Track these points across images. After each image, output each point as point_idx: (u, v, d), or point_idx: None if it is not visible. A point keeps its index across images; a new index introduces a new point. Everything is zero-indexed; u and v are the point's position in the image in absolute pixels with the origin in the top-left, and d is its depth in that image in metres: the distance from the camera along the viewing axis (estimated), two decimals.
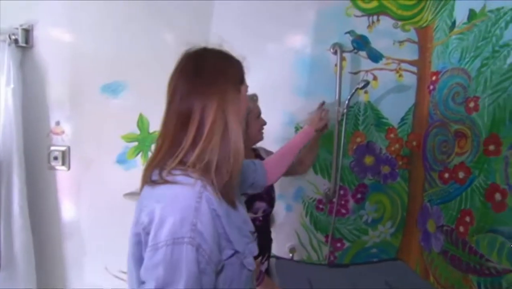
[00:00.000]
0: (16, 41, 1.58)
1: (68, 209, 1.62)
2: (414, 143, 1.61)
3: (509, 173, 1.04)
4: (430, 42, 1.53)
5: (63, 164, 1.61)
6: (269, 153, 1.29)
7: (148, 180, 0.60)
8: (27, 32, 1.61)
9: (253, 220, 1.04)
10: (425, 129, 1.56)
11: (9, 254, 1.50)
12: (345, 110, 1.48)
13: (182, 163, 0.58)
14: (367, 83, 1.41)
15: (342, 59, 1.52)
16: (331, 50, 1.54)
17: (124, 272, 1.65)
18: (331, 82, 1.52)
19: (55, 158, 1.60)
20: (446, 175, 1.38)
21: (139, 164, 1.61)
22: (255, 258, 0.69)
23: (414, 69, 1.57)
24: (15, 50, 1.58)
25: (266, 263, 1.21)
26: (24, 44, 1.60)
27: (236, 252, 0.57)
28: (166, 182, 0.55)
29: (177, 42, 1.62)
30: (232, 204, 0.59)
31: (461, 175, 1.28)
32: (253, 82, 1.60)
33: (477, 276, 1.16)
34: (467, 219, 1.23)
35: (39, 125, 1.63)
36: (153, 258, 0.49)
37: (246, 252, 0.60)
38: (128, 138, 1.60)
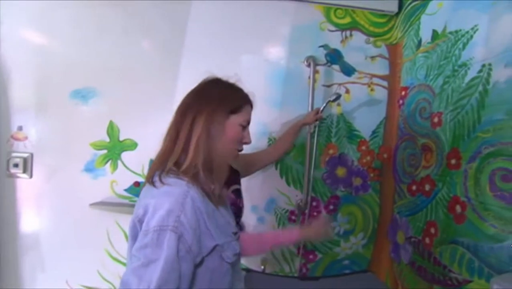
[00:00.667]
0: None
1: (27, 220, 1.53)
2: (385, 155, 1.65)
3: (468, 186, 1.08)
4: (400, 58, 1.59)
5: (24, 171, 1.52)
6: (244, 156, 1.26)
7: (150, 179, 0.71)
8: None
9: None
10: (395, 142, 1.60)
11: None
12: (317, 122, 1.50)
13: (177, 165, 0.70)
14: (338, 96, 1.44)
15: (316, 72, 1.56)
16: (305, 63, 1.57)
17: (87, 286, 1.57)
18: (304, 94, 1.54)
19: (16, 165, 1.51)
20: (414, 187, 1.41)
21: (108, 173, 1.55)
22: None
23: (385, 83, 1.62)
24: None
25: None
26: None
27: (216, 245, 0.66)
28: (162, 183, 0.67)
29: (151, 52, 1.62)
30: (215, 205, 0.70)
31: (427, 187, 1.32)
32: None
33: (441, 286, 1.18)
34: (432, 230, 1.26)
35: (2, 125, 1.54)
36: (143, 240, 0.61)
37: (225, 246, 0.69)
38: (97, 146, 1.54)
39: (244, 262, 1.56)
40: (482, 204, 1.01)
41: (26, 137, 1.53)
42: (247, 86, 1.53)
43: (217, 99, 0.75)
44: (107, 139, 1.54)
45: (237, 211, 1.16)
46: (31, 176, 1.53)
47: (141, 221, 0.64)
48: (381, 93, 1.63)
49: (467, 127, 1.10)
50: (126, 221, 1.56)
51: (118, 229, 1.57)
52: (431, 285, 1.24)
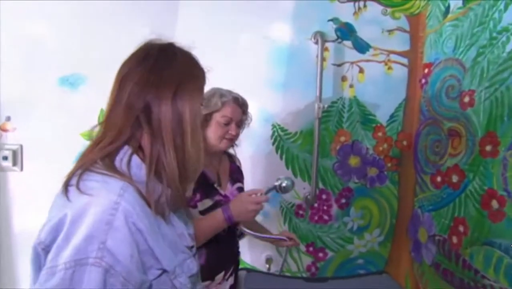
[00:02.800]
0: None
1: (21, 215, 1.47)
2: (405, 143, 1.46)
3: (508, 178, 0.89)
4: (423, 30, 1.38)
5: (14, 164, 1.45)
6: (241, 164, 1.17)
7: (66, 183, 0.50)
8: None
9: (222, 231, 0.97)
10: (416, 128, 1.42)
11: None
12: (326, 106, 1.34)
13: (112, 157, 0.51)
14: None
15: (324, 49, 1.38)
16: (312, 39, 1.40)
17: None
18: (311, 75, 1.38)
19: (5, 158, 1.44)
20: (439, 179, 1.23)
21: None
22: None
23: (405, 60, 1.43)
24: None
25: (231, 278, 1.07)
26: None
27: (164, 271, 0.50)
28: (79, 191, 0.47)
29: (142, 34, 1.49)
30: (163, 216, 0.53)
31: (454, 178, 1.14)
32: (224, 76, 1.47)
33: None
34: (461, 228, 1.09)
35: None
36: (46, 284, 0.42)
37: (177, 271, 0.53)
38: (88, 136, 1.45)
39: (248, 260, 1.45)
40: None
41: (15, 128, 1.46)
42: (246, 67, 1.43)
43: (189, 75, 0.60)
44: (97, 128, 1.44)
45: None
46: (21, 169, 1.46)
47: (46, 250, 0.45)
48: (400, 72, 1.44)
49: (507, 107, 0.91)
50: None
51: None
52: None
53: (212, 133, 0.99)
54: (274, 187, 0.96)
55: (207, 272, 0.93)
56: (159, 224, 0.52)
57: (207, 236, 0.92)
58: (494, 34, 0.96)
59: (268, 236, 1.15)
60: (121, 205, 0.46)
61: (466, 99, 1.08)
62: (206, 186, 1.00)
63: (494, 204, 0.95)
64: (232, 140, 1.03)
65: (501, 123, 0.93)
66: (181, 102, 0.54)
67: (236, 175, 1.12)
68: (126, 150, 0.51)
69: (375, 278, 1.26)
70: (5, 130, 1.45)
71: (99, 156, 0.50)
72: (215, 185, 1.02)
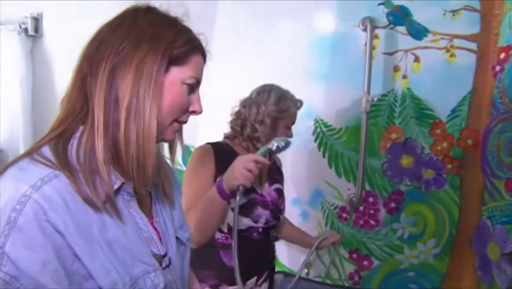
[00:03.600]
0: (26, 30, 1.57)
1: None
2: (470, 141, 1.27)
3: None
4: (499, 7, 1.17)
5: None
6: (281, 165, 1.13)
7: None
8: (37, 21, 1.60)
9: (251, 231, 0.95)
10: (485, 124, 1.22)
11: None
12: (375, 99, 1.21)
13: (64, 142, 0.42)
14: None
15: (374, 37, 1.25)
16: (360, 26, 1.27)
17: None
18: (359, 65, 1.26)
19: None
20: None
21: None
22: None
23: (473, 46, 1.23)
24: (25, 40, 1.58)
25: (265, 285, 1.02)
26: (33, 33, 1.60)
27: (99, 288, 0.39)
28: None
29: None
30: (109, 214, 0.42)
31: None
32: (264, 67, 1.41)
33: None
34: None
35: (49, 116, 1.60)
36: None
37: (119, 285, 0.41)
38: None
39: (286, 262, 1.38)
40: None
41: None
42: (287, 57, 1.36)
43: (147, 40, 0.45)
44: None
45: (277, 213, 1.01)
46: None
47: None
48: (465, 59, 1.24)
49: None
50: None
51: None
52: None
53: (272, 135, 0.97)
54: (269, 149, 0.83)
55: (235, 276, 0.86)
56: (104, 226, 0.41)
57: (208, 213, 0.83)
58: None
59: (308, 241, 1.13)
60: (32, 199, 0.36)
61: None
62: None
63: None
64: None
65: None
66: (123, 71, 0.43)
67: (276, 175, 1.08)
68: (82, 130, 0.43)
69: None
70: None
71: (47, 139, 0.42)
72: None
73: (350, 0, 1.27)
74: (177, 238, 0.55)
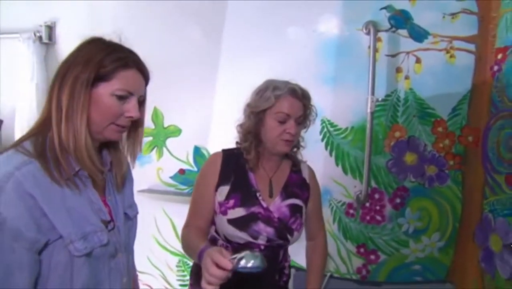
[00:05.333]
0: (40, 38, 1.62)
1: None
2: (470, 138, 1.32)
3: None
4: (496, 10, 1.23)
5: None
6: (313, 179, 0.98)
7: None
8: (50, 29, 1.65)
9: (251, 246, 0.85)
10: (485, 122, 1.27)
11: None
12: (380, 100, 1.26)
13: (36, 138, 0.61)
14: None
15: (377, 40, 1.31)
16: (364, 30, 1.33)
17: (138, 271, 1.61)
18: (363, 68, 1.31)
19: None
20: None
21: (153, 159, 1.55)
22: None
23: (471, 47, 1.29)
24: (39, 47, 1.63)
25: None
26: (47, 41, 1.64)
27: (60, 236, 0.58)
28: None
29: (192, 36, 1.56)
30: (70, 188, 0.60)
31: None
32: (272, 71, 1.45)
33: None
34: None
35: None
36: None
37: (73, 238, 0.59)
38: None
39: (298, 259, 1.42)
40: None
41: None
42: (294, 60, 1.40)
43: (80, 64, 0.60)
44: (152, 126, 1.53)
45: (283, 232, 0.88)
46: None
47: None
48: (465, 60, 1.30)
49: None
50: (172, 209, 1.55)
51: (165, 217, 1.57)
52: None
53: (267, 133, 0.86)
54: (236, 266, 0.66)
55: (236, 285, 0.76)
56: (65, 196, 0.59)
57: (190, 253, 0.83)
58: None
59: None
60: (14, 176, 0.55)
61: None
62: (246, 193, 0.88)
63: None
64: (291, 141, 0.87)
65: None
66: (63, 88, 0.60)
67: (294, 188, 0.93)
68: (51, 132, 0.60)
69: (437, 287, 1.16)
70: None
71: (28, 135, 0.61)
72: (258, 194, 0.88)
73: (354, 5, 1.33)
74: (125, 213, 0.72)
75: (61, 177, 0.59)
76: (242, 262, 0.66)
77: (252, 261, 0.66)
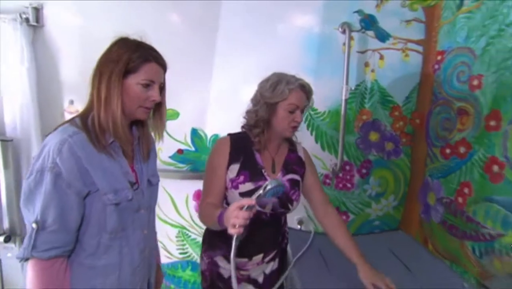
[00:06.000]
0: (27, 20, 1.58)
1: None
2: (418, 121, 1.67)
3: (508, 146, 1.11)
4: (437, 21, 1.56)
5: None
6: (308, 157, 1.12)
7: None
8: (37, 11, 1.61)
9: (259, 213, 0.98)
10: (428, 108, 1.62)
11: None
12: (352, 89, 1.53)
13: (83, 119, 0.78)
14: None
15: (350, 38, 1.55)
16: (340, 29, 1.57)
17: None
18: (339, 61, 1.56)
19: None
20: (448, 151, 1.45)
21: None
22: None
23: (420, 48, 1.61)
24: (26, 29, 1.58)
25: (273, 263, 1.09)
26: (35, 23, 1.59)
27: (97, 189, 0.76)
28: (54, 130, 0.77)
29: (188, 24, 1.66)
30: (107, 155, 0.78)
31: (462, 150, 1.36)
32: (263, 62, 1.64)
33: (472, 241, 1.26)
34: (466, 190, 1.32)
35: (53, 104, 1.66)
36: (28, 179, 0.73)
37: (107, 191, 0.77)
38: None
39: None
40: None
41: (77, 111, 1.65)
42: (282, 53, 1.61)
43: (114, 61, 0.77)
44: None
45: (285, 202, 1.03)
46: None
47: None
48: (415, 59, 1.62)
49: (510, 89, 1.11)
50: (172, 185, 1.70)
51: (165, 193, 1.71)
52: (462, 241, 1.32)
53: (279, 121, 0.98)
54: (259, 194, 0.81)
55: (245, 249, 0.96)
56: (102, 160, 0.77)
57: (210, 223, 0.95)
58: (503, 27, 1.15)
59: None
60: (68, 141, 0.73)
61: (475, 82, 1.29)
62: (253, 169, 1.00)
63: (495, 168, 1.17)
64: (297, 127, 1.01)
65: (505, 103, 1.14)
66: (101, 81, 0.77)
67: (292, 165, 1.06)
68: (93, 113, 0.79)
69: (392, 234, 1.51)
70: (70, 112, 1.66)
71: (79, 115, 0.80)
72: (263, 170, 1.01)
73: (332, 8, 1.55)
74: (148, 180, 0.89)
75: (100, 146, 0.76)
76: (267, 183, 0.79)
77: (274, 183, 0.79)
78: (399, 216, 1.74)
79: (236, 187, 0.98)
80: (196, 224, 1.75)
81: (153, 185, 0.92)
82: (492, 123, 1.19)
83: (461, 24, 1.39)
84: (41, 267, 0.73)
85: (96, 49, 1.54)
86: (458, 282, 1.04)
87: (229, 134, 1.06)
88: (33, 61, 1.59)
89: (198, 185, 1.70)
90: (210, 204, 0.97)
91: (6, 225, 1.59)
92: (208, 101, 1.65)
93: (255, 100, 1.04)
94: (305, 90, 1.00)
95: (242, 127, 1.08)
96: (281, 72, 1.03)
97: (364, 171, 1.69)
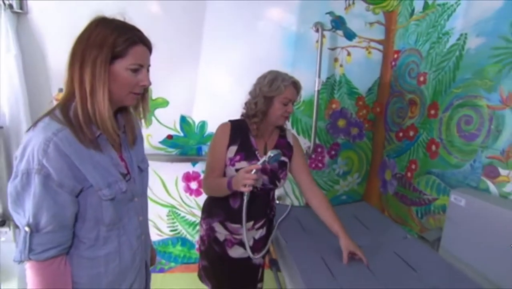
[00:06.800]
0: (10, 6, 1.58)
1: None
2: (378, 109, 1.95)
3: (442, 130, 1.41)
4: (394, 24, 1.83)
5: None
6: (296, 142, 1.27)
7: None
8: None
9: (254, 187, 1.10)
10: (387, 98, 1.90)
11: None
12: (323, 81, 1.75)
13: (63, 111, 0.71)
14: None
15: (323, 36, 1.77)
16: (313, 28, 1.77)
17: None
18: (313, 56, 1.77)
19: None
20: (401, 134, 1.75)
21: (143, 128, 1.77)
22: None
23: (381, 47, 1.87)
24: (11, 16, 1.58)
25: (262, 230, 1.25)
26: (19, 10, 1.59)
27: (91, 185, 0.72)
28: (34, 126, 0.70)
29: (175, 13, 1.76)
30: (95, 149, 0.73)
31: (411, 133, 1.66)
32: (246, 56, 1.80)
33: (416, 206, 1.58)
34: (413, 166, 1.63)
35: (41, 92, 1.69)
36: (13, 182, 0.68)
37: (101, 186, 0.73)
38: None
39: None
40: (450, 142, 1.36)
41: None
42: (262, 48, 1.79)
43: (97, 46, 0.68)
44: None
45: (274, 179, 1.19)
46: None
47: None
48: (377, 56, 1.88)
49: (444, 85, 1.41)
50: (162, 168, 1.84)
51: (155, 176, 1.85)
52: (409, 207, 1.64)
53: (274, 112, 1.12)
54: (264, 161, 1.01)
55: (239, 217, 1.10)
56: (91, 155, 0.72)
57: (216, 191, 1.14)
58: (440, 35, 1.44)
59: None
60: (53, 140, 0.66)
61: (421, 78, 1.57)
62: (248, 151, 1.15)
63: (433, 147, 1.48)
64: (288, 117, 1.18)
65: (441, 95, 1.43)
66: (84, 69, 0.68)
67: (282, 149, 1.18)
68: (75, 102, 0.71)
69: (356, 205, 1.80)
70: (59, 100, 1.70)
71: (58, 106, 0.72)
72: (257, 152, 1.16)
73: (307, 9, 1.75)
74: (138, 166, 0.86)
75: (86, 140, 0.70)
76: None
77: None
78: (362, 191, 2.05)
79: (233, 165, 1.14)
80: (185, 204, 1.92)
81: (143, 171, 0.90)
82: (432, 112, 1.49)
83: (412, 29, 1.67)
84: (40, 267, 0.70)
85: None
86: (402, 233, 1.34)
87: (230, 121, 1.20)
88: (18, 48, 1.59)
89: (187, 167, 1.87)
90: (215, 177, 1.16)
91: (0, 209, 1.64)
92: (196, 91, 1.79)
93: (254, 93, 1.17)
94: (297, 86, 1.17)
95: (242, 115, 1.22)
96: (276, 70, 1.17)
97: (333, 152, 1.95)
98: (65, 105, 0.72)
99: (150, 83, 0.77)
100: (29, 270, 0.71)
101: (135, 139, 0.87)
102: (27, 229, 0.68)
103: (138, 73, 0.74)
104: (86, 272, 0.77)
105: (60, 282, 0.73)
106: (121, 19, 0.74)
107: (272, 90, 1.11)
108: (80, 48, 0.69)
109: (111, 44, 0.69)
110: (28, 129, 0.70)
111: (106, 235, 0.78)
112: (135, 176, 0.84)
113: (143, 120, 0.86)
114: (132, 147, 0.85)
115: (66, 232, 0.72)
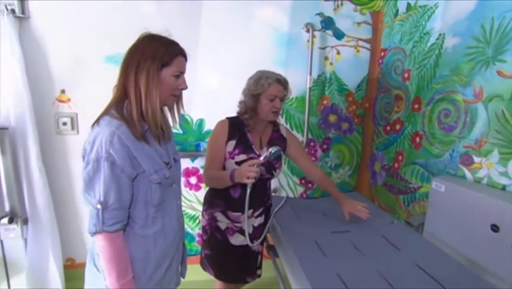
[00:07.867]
0: (13, 11, 1.63)
1: (79, 168, 1.83)
2: (367, 105, 2.06)
3: (425, 123, 1.53)
4: (381, 24, 1.93)
5: (72, 128, 1.79)
6: (289, 134, 1.38)
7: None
8: (23, 2, 1.66)
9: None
10: (375, 94, 2.01)
11: (33, 210, 1.71)
12: (314, 79, 1.85)
13: (118, 110, 0.85)
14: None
15: (313, 36, 1.86)
16: (304, 28, 1.86)
17: None
18: (304, 56, 1.86)
19: (64, 124, 1.77)
20: (388, 128, 1.86)
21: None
22: None
23: (368, 46, 1.97)
24: (13, 21, 1.63)
25: (260, 219, 1.34)
26: (21, 15, 1.64)
27: (144, 171, 0.87)
28: (97, 123, 0.85)
29: (173, 17, 1.83)
30: (145, 141, 0.87)
31: (397, 127, 1.77)
32: (241, 55, 1.89)
33: (403, 195, 1.70)
34: (400, 158, 1.74)
35: (44, 94, 1.76)
36: (86, 169, 0.82)
37: (151, 172, 0.88)
38: None
39: None
40: (432, 134, 1.47)
41: (69, 99, 1.78)
42: (256, 48, 1.88)
43: (151, 56, 0.84)
44: None
45: (270, 169, 1.29)
46: (78, 133, 1.81)
47: (84, 154, 0.84)
48: (365, 54, 1.98)
49: (426, 81, 1.52)
50: None
51: None
52: (397, 196, 1.76)
53: (262, 108, 1.21)
54: (265, 156, 1.13)
55: (239, 205, 1.21)
56: (142, 146, 0.86)
57: (218, 182, 1.22)
58: (422, 35, 1.54)
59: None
60: (116, 133, 0.81)
61: (406, 75, 1.68)
62: (245, 145, 1.25)
63: (417, 139, 1.59)
64: (278, 113, 1.26)
65: (423, 91, 1.54)
66: (139, 76, 0.84)
67: (275, 141, 1.30)
68: (127, 103, 0.86)
69: (348, 195, 1.90)
70: (61, 101, 1.78)
71: (112, 106, 0.86)
72: (253, 146, 1.26)
73: (299, 10, 1.84)
74: (173, 158, 1.01)
75: (138, 134, 0.85)
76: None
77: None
78: (353, 182, 2.16)
79: (233, 158, 1.24)
80: (185, 198, 2.01)
81: (177, 162, 1.04)
82: (416, 106, 1.60)
83: (397, 29, 1.77)
84: (111, 238, 0.85)
85: (83, 39, 1.70)
86: (390, 220, 1.45)
87: (227, 118, 1.30)
88: (20, 52, 1.65)
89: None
90: (215, 170, 1.25)
91: (7, 208, 1.70)
92: (193, 90, 1.87)
93: (244, 93, 1.28)
94: (281, 82, 1.25)
95: (237, 113, 1.31)
96: (264, 70, 1.27)
97: (325, 146, 2.06)
98: (118, 105, 0.86)
99: (187, 87, 0.94)
100: (101, 241, 0.85)
101: (170, 135, 1.02)
102: (99, 206, 0.82)
103: (179, 78, 0.91)
104: (141, 248, 0.91)
105: (124, 252, 0.88)
106: (166, 35, 0.91)
107: (257, 88, 1.20)
108: (135, 59, 0.85)
109: (161, 56, 0.86)
110: (93, 126, 0.86)
111: (154, 216, 0.92)
112: (172, 165, 0.97)
113: (176, 119, 0.99)
114: (168, 141, 1.00)
115: (125, 211, 0.87)
